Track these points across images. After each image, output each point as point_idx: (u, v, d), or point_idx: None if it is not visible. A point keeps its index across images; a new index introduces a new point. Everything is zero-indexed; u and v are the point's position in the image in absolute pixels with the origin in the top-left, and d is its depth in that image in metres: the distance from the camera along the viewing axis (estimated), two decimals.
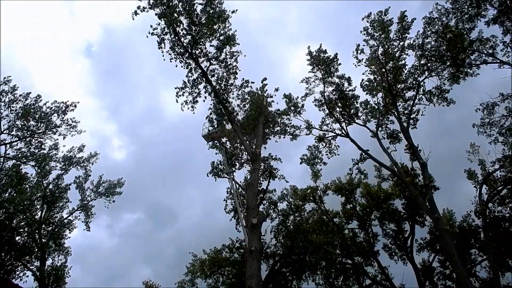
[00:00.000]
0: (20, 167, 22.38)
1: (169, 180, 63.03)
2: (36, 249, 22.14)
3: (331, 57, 20.35)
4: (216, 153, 21.90)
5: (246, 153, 19.13)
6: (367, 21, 19.62)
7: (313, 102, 21.79)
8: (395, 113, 20.25)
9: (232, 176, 19.96)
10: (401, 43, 19.51)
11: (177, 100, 17.34)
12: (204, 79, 17.08)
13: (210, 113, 19.66)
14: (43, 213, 23.78)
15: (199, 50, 16.38)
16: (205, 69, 16.74)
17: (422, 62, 19.72)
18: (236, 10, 15.83)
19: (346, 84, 21.18)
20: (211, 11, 15.48)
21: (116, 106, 74.92)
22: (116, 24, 78.73)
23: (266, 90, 20.04)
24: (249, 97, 19.55)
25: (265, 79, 19.98)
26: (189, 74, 17.08)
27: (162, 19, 15.31)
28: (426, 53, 19.36)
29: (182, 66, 16.82)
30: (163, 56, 16.13)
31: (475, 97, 20.00)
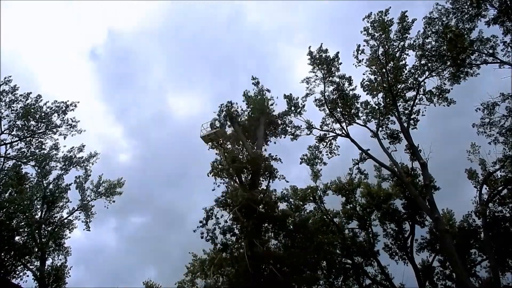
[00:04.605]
0: (21, 167, 22.36)
1: (176, 182, 62.79)
2: (36, 249, 22.07)
3: (331, 57, 20.34)
4: (216, 153, 21.93)
5: (247, 153, 19.12)
6: (368, 22, 19.64)
7: (313, 102, 21.84)
8: (396, 113, 20.26)
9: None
10: (402, 43, 19.55)
11: None
12: None
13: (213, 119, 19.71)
14: (43, 213, 23.73)
15: None
16: None
17: (423, 62, 19.77)
18: None
19: (346, 84, 21.22)
20: None
21: (123, 110, 74.54)
22: (122, 27, 78.60)
23: (269, 91, 20.15)
24: (251, 99, 19.61)
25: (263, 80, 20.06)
26: None
27: None
28: (427, 53, 19.37)
29: None
30: None
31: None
